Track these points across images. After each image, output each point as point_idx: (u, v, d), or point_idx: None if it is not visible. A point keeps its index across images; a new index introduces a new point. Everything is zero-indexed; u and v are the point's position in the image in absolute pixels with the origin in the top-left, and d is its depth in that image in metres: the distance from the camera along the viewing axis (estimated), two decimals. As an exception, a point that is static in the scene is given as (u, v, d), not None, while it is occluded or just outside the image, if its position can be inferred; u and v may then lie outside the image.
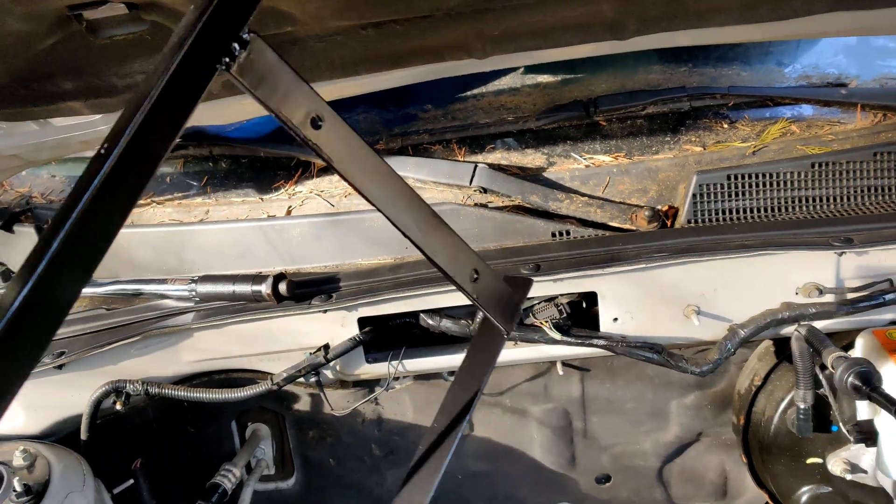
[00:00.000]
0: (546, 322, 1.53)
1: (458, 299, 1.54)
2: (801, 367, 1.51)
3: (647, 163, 1.73)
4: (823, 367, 1.49)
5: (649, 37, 1.27)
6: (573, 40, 1.27)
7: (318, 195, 1.84)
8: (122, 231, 1.87)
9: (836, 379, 1.39)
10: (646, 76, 1.96)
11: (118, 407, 1.65)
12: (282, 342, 1.64)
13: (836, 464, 1.63)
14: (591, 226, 1.69)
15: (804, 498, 1.72)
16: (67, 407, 1.70)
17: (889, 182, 1.65)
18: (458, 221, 1.70)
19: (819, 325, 1.54)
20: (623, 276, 1.52)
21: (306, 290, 1.59)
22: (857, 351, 1.54)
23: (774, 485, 1.77)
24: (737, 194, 1.65)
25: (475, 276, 1.01)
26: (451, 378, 1.62)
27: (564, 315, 1.54)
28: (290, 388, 1.82)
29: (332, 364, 1.64)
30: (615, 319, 1.58)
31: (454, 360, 1.67)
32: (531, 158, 1.80)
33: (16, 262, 1.97)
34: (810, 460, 1.69)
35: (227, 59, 0.65)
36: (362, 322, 1.60)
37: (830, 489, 1.70)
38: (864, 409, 1.55)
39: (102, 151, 0.53)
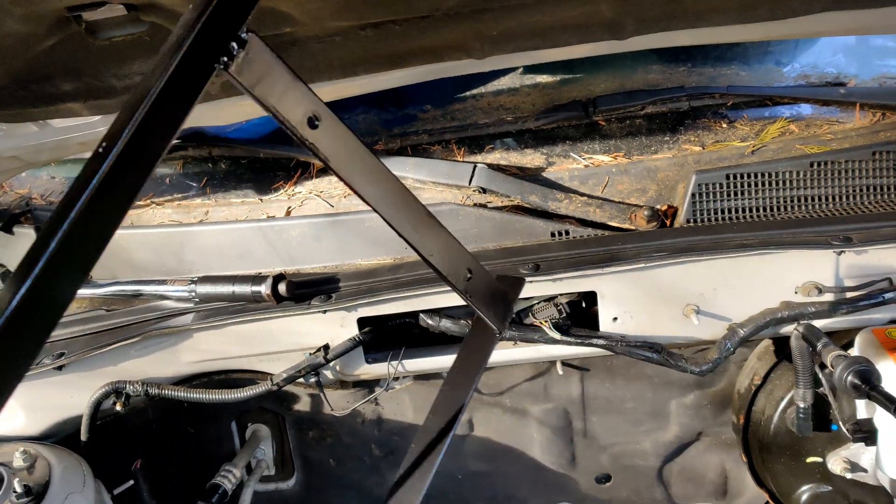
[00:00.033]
0: (545, 322, 1.53)
1: (458, 299, 1.54)
2: (801, 366, 1.51)
3: (646, 162, 1.73)
4: (823, 366, 1.49)
5: (648, 36, 1.28)
6: (572, 40, 1.27)
7: (318, 196, 1.84)
8: (122, 232, 1.87)
9: (835, 378, 1.39)
10: (645, 76, 1.96)
11: (118, 408, 1.65)
12: (281, 343, 1.64)
13: (835, 463, 1.63)
14: (590, 225, 1.69)
15: (804, 497, 1.73)
16: (67, 408, 1.70)
17: (888, 181, 1.65)
18: (458, 221, 1.70)
19: (818, 323, 1.54)
20: (622, 275, 1.52)
21: (306, 290, 1.59)
22: (857, 350, 1.54)
23: (774, 484, 1.77)
24: (736, 194, 1.66)
25: (468, 275, 1.01)
26: (451, 378, 1.62)
27: (564, 315, 1.54)
28: (289, 388, 1.82)
29: (331, 364, 1.65)
30: (615, 319, 1.58)
31: (454, 360, 1.67)
32: (530, 158, 1.80)
33: (15, 264, 1.96)
34: (810, 459, 1.69)
35: (226, 59, 0.65)
36: (362, 322, 1.60)
37: (830, 488, 1.70)
38: (863, 408, 1.55)
39: (101, 150, 0.53)
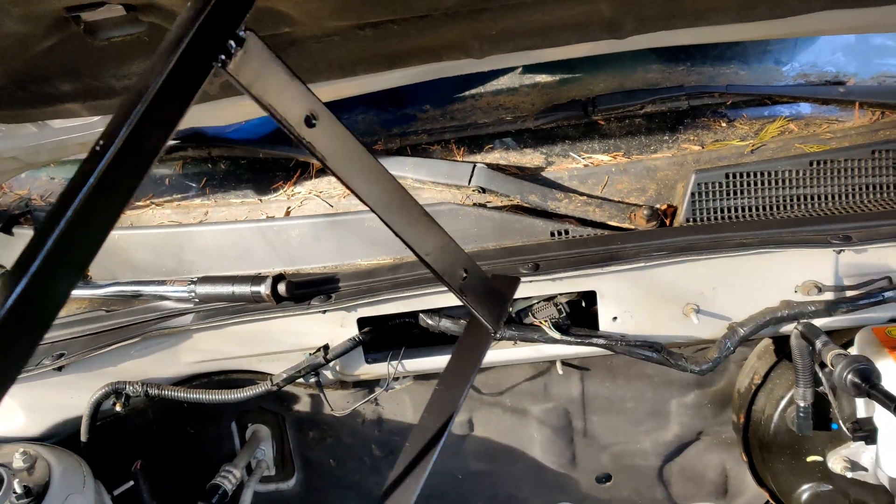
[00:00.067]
0: (545, 321, 1.53)
1: (457, 299, 1.54)
2: (801, 365, 1.51)
3: (645, 162, 1.73)
4: (823, 365, 1.49)
5: (647, 36, 1.27)
6: (571, 39, 1.27)
7: (317, 196, 1.84)
8: (122, 233, 1.87)
9: (835, 377, 1.39)
10: (644, 75, 1.96)
11: (118, 408, 1.65)
12: (281, 343, 1.64)
13: (836, 461, 1.63)
14: (589, 225, 1.69)
15: (805, 496, 1.72)
16: (67, 409, 1.70)
17: (887, 180, 1.65)
18: (457, 221, 1.70)
19: (818, 322, 1.54)
20: (622, 275, 1.52)
21: (305, 290, 1.59)
22: (857, 348, 1.54)
23: (775, 483, 1.77)
24: (735, 193, 1.66)
25: (464, 274, 1.01)
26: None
27: (564, 314, 1.54)
28: (289, 388, 1.82)
29: (331, 364, 1.65)
30: (614, 318, 1.58)
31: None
32: (530, 158, 1.80)
33: (15, 265, 1.96)
34: (810, 458, 1.69)
35: (224, 57, 0.65)
36: (362, 322, 1.60)
37: (831, 487, 1.70)
38: (863, 407, 1.55)
39: (98, 148, 0.52)
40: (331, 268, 1.74)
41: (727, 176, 1.65)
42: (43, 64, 1.17)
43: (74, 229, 0.51)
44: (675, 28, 1.25)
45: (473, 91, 2.01)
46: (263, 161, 1.97)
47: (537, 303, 1.56)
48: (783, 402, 1.66)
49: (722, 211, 1.66)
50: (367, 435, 1.97)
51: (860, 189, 1.66)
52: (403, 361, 1.68)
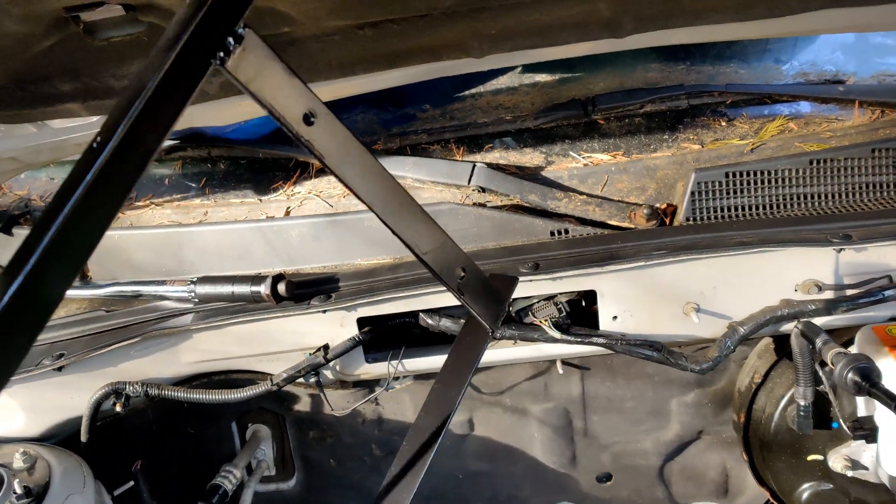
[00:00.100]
0: (545, 321, 1.53)
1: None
2: (801, 364, 1.51)
3: (645, 161, 1.73)
4: (823, 364, 1.49)
5: (646, 35, 1.28)
6: (570, 39, 1.27)
7: (317, 196, 1.84)
8: (121, 233, 1.86)
9: (836, 375, 1.39)
10: (644, 74, 1.96)
11: (118, 409, 1.65)
12: (281, 343, 1.64)
13: (836, 460, 1.63)
14: (589, 224, 1.69)
15: (805, 495, 1.72)
16: (67, 409, 1.70)
17: (887, 178, 1.65)
18: (457, 221, 1.70)
19: (818, 321, 1.54)
20: (622, 274, 1.52)
21: (305, 290, 1.59)
22: (857, 347, 1.54)
23: (775, 482, 1.76)
24: (735, 192, 1.66)
25: (462, 273, 1.01)
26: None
27: (564, 314, 1.54)
28: (290, 388, 1.82)
29: (331, 364, 1.64)
30: (614, 318, 1.58)
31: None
32: (529, 157, 1.80)
33: (15, 265, 1.96)
34: (811, 457, 1.69)
35: (222, 54, 0.64)
36: (361, 322, 1.60)
37: (831, 486, 1.70)
38: (864, 406, 1.55)
39: (95, 145, 0.52)
40: (330, 267, 1.74)
41: (727, 175, 1.65)
42: (42, 64, 1.17)
43: (71, 225, 0.51)
44: (674, 27, 1.26)
45: (473, 90, 2.01)
46: (263, 161, 1.97)
47: (537, 302, 1.56)
48: (784, 401, 1.66)
49: (722, 210, 1.66)
50: (367, 435, 1.97)
51: (860, 188, 1.66)
52: (403, 361, 1.68)
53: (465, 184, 1.71)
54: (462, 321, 1.58)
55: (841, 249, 1.49)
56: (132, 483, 1.73)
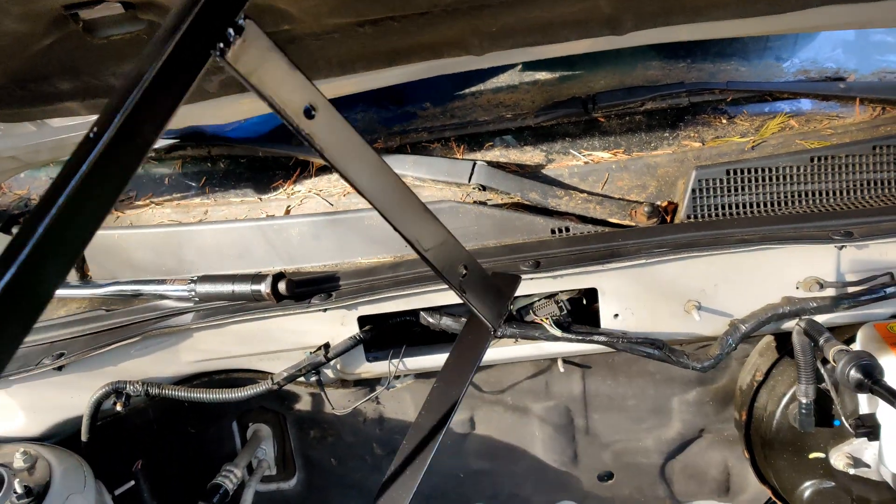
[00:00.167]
0: (546, 319, 1.53)
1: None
2: (803, 362, 1.51)
3: (645, 159, 1.73)
4: (825, 362, 1.49)
5: (647, 32, 1.27)
6: (571, 36, 1.27)
7: (317, 194, 1.84)
8: (121, 232, 1.86)
9: (837, 373, 1.39)
10: (644, 72, 1.96)
11: (118, 408, 1.65)
12: (282, 341, 1.64)
13: (838, 458, 1.63)
14: (590, 222, 1.69)
15: (807, 493, 1.72)
16: (68, 408, 1.70)
17: (888, 175, 1.65)
18: (458, 219, 1.70)
19: (820, 319, 1.54)
20: (623, 272, 1.52)
21: (306, 289, 1.58)
22: (859, 344, 1.54)
23: (777, 480, 1.76)
24: (736, 189, 1.65)
25: (464, 271, 1.01)
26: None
27: (565, 312, 1.53)
28: (290, 387, 1.82)
29: (332, 363, 1.64)
30: (616, 316, 1.58)
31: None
32: (530, 156, 1.80)
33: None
34: (813, 455, 1.69)
35: (222, 45, 0.63)
36: (362, 321, 1.60)
37: (833, 484, 1.70)
38: (865, 403, 1.55)
39: (91, 135, 0.51)
40: (331, 266, 1.74)
41: (728, 172, 1.65)
42: (42, 62, 1.17)
43: (67, 215, 0.50)
44: (674, 24, 1.25)
45: (473, 88, 2.01)
46: (263, 160, 1.97)
47: (538, 300, 1.55)
48: (785, 399, 1.66)
49: (723, 207, 1.66)
50: (368, 434, 1.97)
51: (861, 185, 1.65)
52: (404, 360, 1.67)
53: (465, 182, 1.71)
54: (463, 320, 1.58)
55: (842, 247, 1.49)
56: (133, 483, 1.73)
